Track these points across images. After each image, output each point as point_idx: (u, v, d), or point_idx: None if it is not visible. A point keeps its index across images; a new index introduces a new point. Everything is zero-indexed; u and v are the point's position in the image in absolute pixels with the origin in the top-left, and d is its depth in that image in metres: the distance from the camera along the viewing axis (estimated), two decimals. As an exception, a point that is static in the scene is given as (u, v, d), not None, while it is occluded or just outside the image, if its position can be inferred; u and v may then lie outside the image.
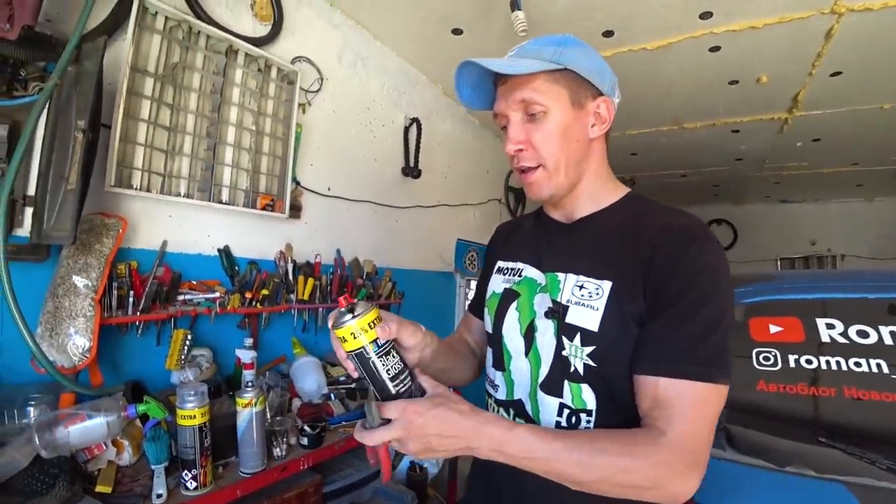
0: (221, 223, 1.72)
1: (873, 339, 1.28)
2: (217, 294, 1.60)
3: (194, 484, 1.07)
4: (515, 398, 0.79)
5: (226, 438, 1.20)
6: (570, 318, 0.71)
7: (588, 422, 0.70)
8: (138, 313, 1.37)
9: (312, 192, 2.11)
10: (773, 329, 1.40)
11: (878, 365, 1.24)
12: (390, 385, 0.65)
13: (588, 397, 0.70)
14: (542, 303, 0.77)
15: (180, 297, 1.51)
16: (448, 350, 0.86)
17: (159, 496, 1.03)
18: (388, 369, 0.64)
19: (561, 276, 0.76)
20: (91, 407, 1.05)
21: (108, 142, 1.34)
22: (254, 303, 1.72)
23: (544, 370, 0.74)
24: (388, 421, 0.62)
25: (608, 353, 0.69)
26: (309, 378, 1.68)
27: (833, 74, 2.58)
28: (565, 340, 0.72)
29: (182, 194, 1.57)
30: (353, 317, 0.63)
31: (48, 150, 1.17)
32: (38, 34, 1.14)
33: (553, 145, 0.73)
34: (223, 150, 1.71)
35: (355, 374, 0.67)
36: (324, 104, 2.16)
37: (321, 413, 1.58)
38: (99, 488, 1.02)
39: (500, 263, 0.90)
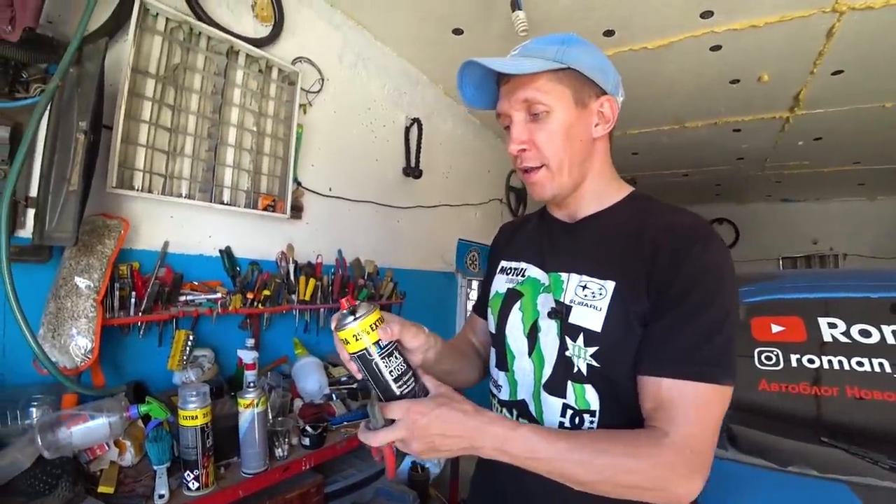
0: (223, 224, 1.72)
1: (875, 338, 1.27)
2: (219, 295, 1.60)
3: (196, 484, 1.07)
4: (519, 398, 0.79)
5: (228, 439, 1.20)
6: (574, 319, 0.71)
7: (591, 422, 0.70)
8: (140, 314, 1.37)
9: (314, 192, 2.11)
10: (775, 328, 1.40)
11: (881, 364, 1.24)
12: (394, 386, 0.64)
13: (591, 398, 0.70)
14: (545, 303, 0.76)
15: (182, 298, 1.52)
16: (453, 352, 0.86)
17: (161, 496, 1.03)
18: (391, 370, 0.64)
19: (564, 276, 0.75)
20: (93, 407, 1.05)
21: (109, 143, 1.34)
22: (255, 303, 1.72)
23: (548, 370, 0.74)
24: (392, 421, 0.62)
25: (611, 353, 0.68)
26: (310, 378, 1.68)
27: (834, 73, 2.57)
28: (568, 341, 0.71)
29: (183, 195, 1.57)
30: (355, 319, 0.63)
31: (50, 151, 1.17)
32: (39, 36, 1.14)
33: (556, 145, 0.72)
34: (224, 150, 1.71)
35: (359, 376, 0.66)
36: (325, 105, 2.16)
37: (323, 413, 1.58)
38: (101, 489, 1.03)
39: (503, 263, 0.90)
